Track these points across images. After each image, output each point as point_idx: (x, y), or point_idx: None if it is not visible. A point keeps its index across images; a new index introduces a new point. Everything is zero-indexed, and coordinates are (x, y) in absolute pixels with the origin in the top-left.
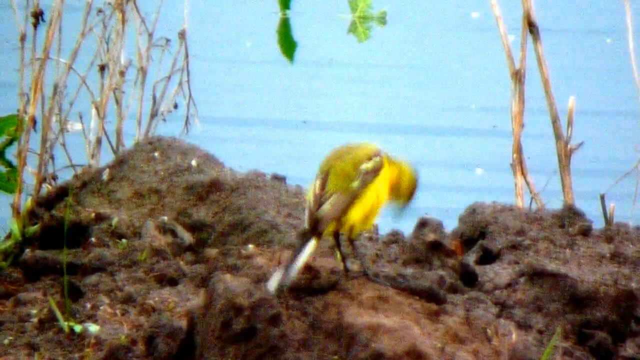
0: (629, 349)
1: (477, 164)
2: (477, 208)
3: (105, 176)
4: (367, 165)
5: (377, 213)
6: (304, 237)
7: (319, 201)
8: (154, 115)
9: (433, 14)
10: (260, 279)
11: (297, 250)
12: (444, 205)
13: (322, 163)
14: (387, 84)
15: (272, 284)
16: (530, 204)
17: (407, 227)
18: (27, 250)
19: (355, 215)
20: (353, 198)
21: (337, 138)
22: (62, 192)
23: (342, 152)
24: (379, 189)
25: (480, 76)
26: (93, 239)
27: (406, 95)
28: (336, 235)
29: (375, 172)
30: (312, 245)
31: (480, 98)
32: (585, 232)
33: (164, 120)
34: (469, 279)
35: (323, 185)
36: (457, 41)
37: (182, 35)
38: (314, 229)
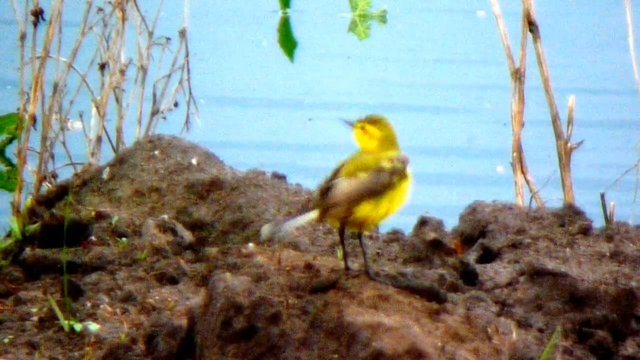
0: (629, 347)
1: (495, 162)
2: (477, 207)
3: (105, 175)
4: (387, 164)
5: (389, 214)
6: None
7: (330, 182)
8: (154, 113)
9: (439, 12)
10: (261, 277)
11: (297, 212)
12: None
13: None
14: (393, 83)
15: (265, 231)
16: (530, 202)
17: (407, 226)
18: (27, 249)
19: (368, 208)
20: (366, 190)
21: (342, 138)
22: (62, 191)
23: (368, 150)
24: (398, 192)
25: (487, 75)
26: (93, 238)
27: (413, 94)
28: (342, 231)
29: (395, 173)
30: (313, 213)
31: (491, 97)
32: (585, 231)
33: (164, 118)
34: (469, 277)
35: (336, 172)
36: (463, 39)
37: (182, 33)
38: (323, 207)
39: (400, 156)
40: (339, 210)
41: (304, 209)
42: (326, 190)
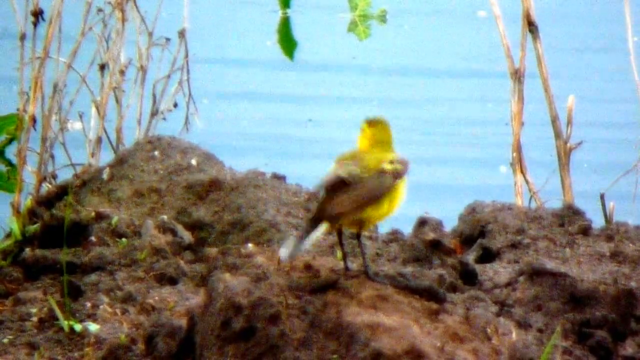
0: (628, 348)
1: (496, 162)
2: (476, 207)
3: (105, 175)
4: (388, 166)
5: (389, 214)
6: (315, 222)
7: (332, 185)
8: (154, 114)
9: (439, 13)
10: (260, 278)
11: (309, 228)
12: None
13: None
14: (392, 84)
15: (284, 251)
16: (530, 202)
17: (406, 226)
18: (27, 249)
19: (370, 211)
20: (370, 196)
21: (341, 138)
22: (62, 191)
23: (367, 150)
24: (397, 193)
25: (487, 75)
26: (93, 238)
27: (414, 95)
28: (339, 232)
29: (396, 175)
30: (323, 227)
31: (493, 96)
32: (585, 231)
33: (164, 119)
34: (468, 277)
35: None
36: (464, 39)
37: (182, 34)
38: (328, 220)
39: (401, 158)
40: (347, 219)
41: (312, 220)
42: (330, 196)
